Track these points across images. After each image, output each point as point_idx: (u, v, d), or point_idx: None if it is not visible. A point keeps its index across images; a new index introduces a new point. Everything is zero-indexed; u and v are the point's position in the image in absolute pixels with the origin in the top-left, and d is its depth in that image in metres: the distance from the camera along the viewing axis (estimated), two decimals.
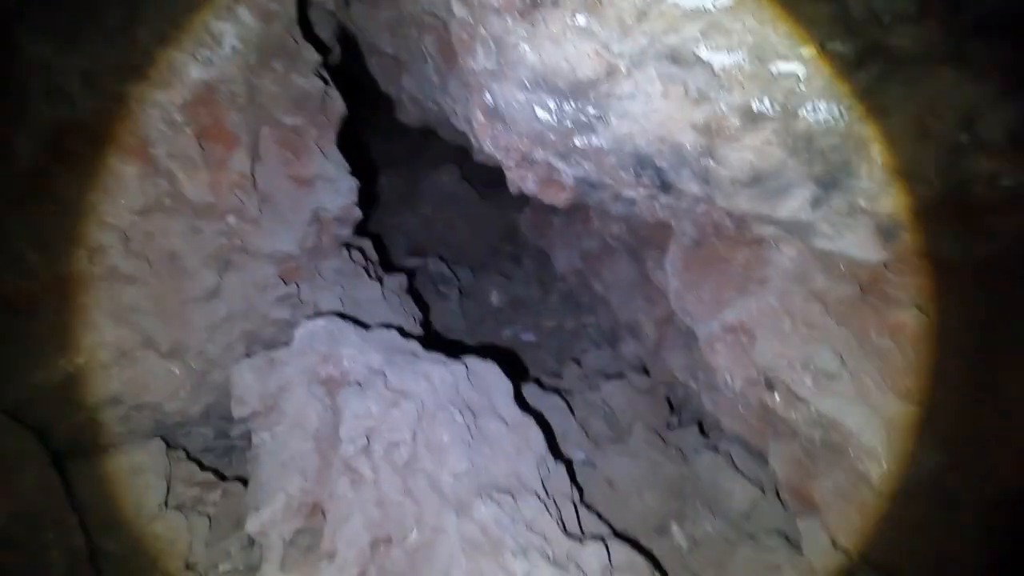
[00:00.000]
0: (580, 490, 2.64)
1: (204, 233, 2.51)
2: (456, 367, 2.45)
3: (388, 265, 4.58)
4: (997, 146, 1.67)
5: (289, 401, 2.38)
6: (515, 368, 3.28)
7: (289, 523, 2.16)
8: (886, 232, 1.94)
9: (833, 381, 2.09)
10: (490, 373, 2.53)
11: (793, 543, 2.52)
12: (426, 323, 3.72)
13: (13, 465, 1.94)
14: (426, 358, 2.47)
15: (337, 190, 2.88)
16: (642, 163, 2.12)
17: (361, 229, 3.43)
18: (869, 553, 2.19)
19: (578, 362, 4.20)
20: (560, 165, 2.33)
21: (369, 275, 3.25)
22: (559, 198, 2.49)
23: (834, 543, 2.28)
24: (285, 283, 2.74)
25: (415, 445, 2.19)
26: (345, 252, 3.17)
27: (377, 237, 4.54)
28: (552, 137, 2.12)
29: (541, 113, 2.03)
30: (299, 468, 2.24)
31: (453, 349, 2.98)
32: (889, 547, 2.15)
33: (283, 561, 2.09)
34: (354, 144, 3.39)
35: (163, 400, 2.47)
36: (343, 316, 2.59)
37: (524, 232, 5.43)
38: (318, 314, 2.66)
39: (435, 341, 3.37)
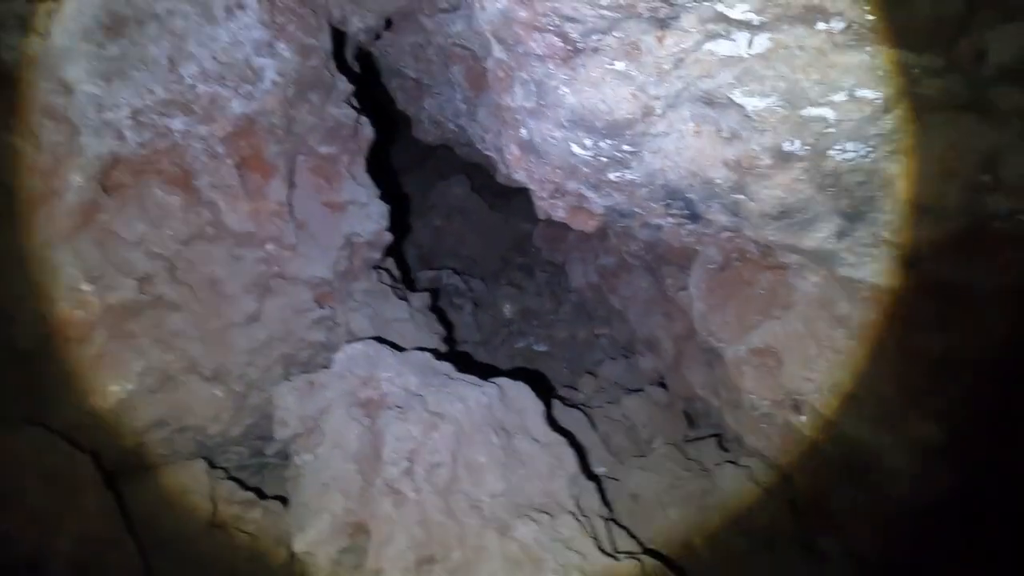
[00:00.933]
0: (609, 507, 2.72)
1: (244, 260, 2.60)
2: (490, 389, 2.53)
3: (404, 279, 4.68)
4: (1017, 186, 1.77)
5: (330, 423, 2.46)
6: (538, 383, 3.36)
7: (335, 542, 2.25)
8: (908, 262, 2.03)
9: (858, 404, 2.18)
10: (522, 394, 2.61)
11: (814, 557, 2.61)
12: (449, 340, 3.80)
13: (76, 489, 2.02)
14: (460, 380, 2.56)
15: (368, 215, 2.96)
16: (673, 195, 2.21)
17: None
18: (890, 569, 2.29)
19: (593, 374, 4.30)
20: (591, 195, 2.42)
21: (396, 295, 3.34)
22: (588, 225, 2.58)
23: (854, 558, 2.37)
24: (320, 306, 2.82)
25: (455, 466, 2.27)
26: (374, 274, 3.26)
27: (393, 250, 4.64)
28: (586, 171, 2.21)
29: (577, 149, 2.12)
30: (342, 488, 2.32)
31: (479, 367, 3.07)
32: (911, 563, 2.24)
33: None
34: (375, 160, 3.49)
35: (206, 422, 2.55)
36: (380, 340, 2.67)
37: (537, 245, 5.52)
38: (356, 338, 2.74)
39: (461, 359, 3.46)
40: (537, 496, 2.34)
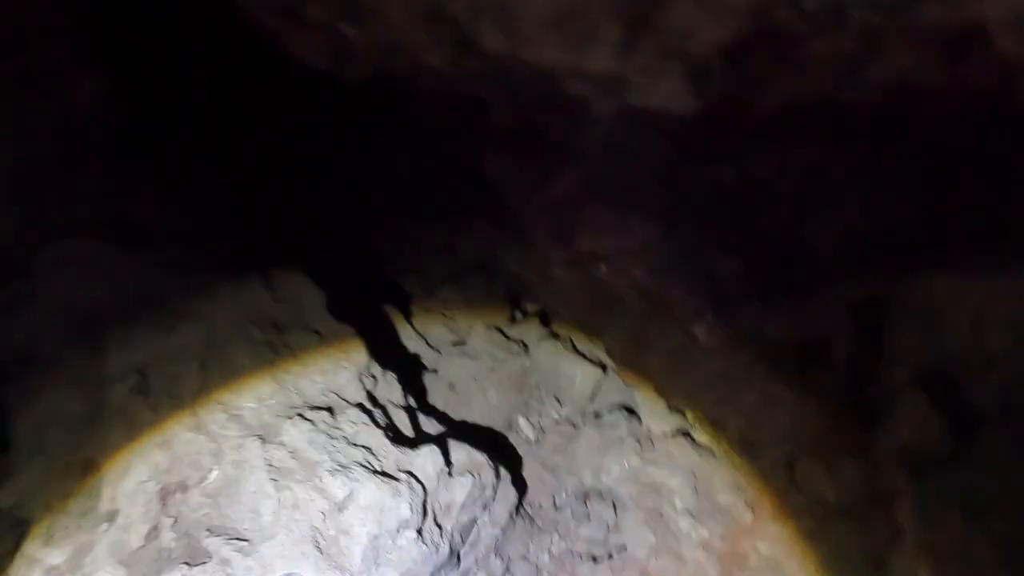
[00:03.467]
0: (418, 396, 2.44)
1: None
2: (251, 279, 2.10)
3: None
4: None
5: (41, 346, 1.93)
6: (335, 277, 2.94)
7: (55, 487, 1.78)
8: (699, 75, 1.81)
9: (654, 251, 2.01)
10: (297, 283, 2.20)
11: (633, 414, 2.52)
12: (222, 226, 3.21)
13: None
14: (214, 270, 2.10)
15: None
16: (438, 15, 1.82)
17: None
18: (699, 410, 2.21)
19: (418, 271, 3.96)
20: (347, 29, 1.97)
21: None
22: (354, 71, 2.15)
23: (669, 406, 2.28)
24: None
25: (204, 372, 1.85)
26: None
27: None
28: None
29: None
30: (61, 421, 1.83)
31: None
32: (717, 401, 2.17)
33: (50, 533, 1.71)
34: None
35: None
36: (101, 233, 2.12)
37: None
38: (68, 236, 2.16)
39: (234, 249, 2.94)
40: (317, 394, 1.99)
